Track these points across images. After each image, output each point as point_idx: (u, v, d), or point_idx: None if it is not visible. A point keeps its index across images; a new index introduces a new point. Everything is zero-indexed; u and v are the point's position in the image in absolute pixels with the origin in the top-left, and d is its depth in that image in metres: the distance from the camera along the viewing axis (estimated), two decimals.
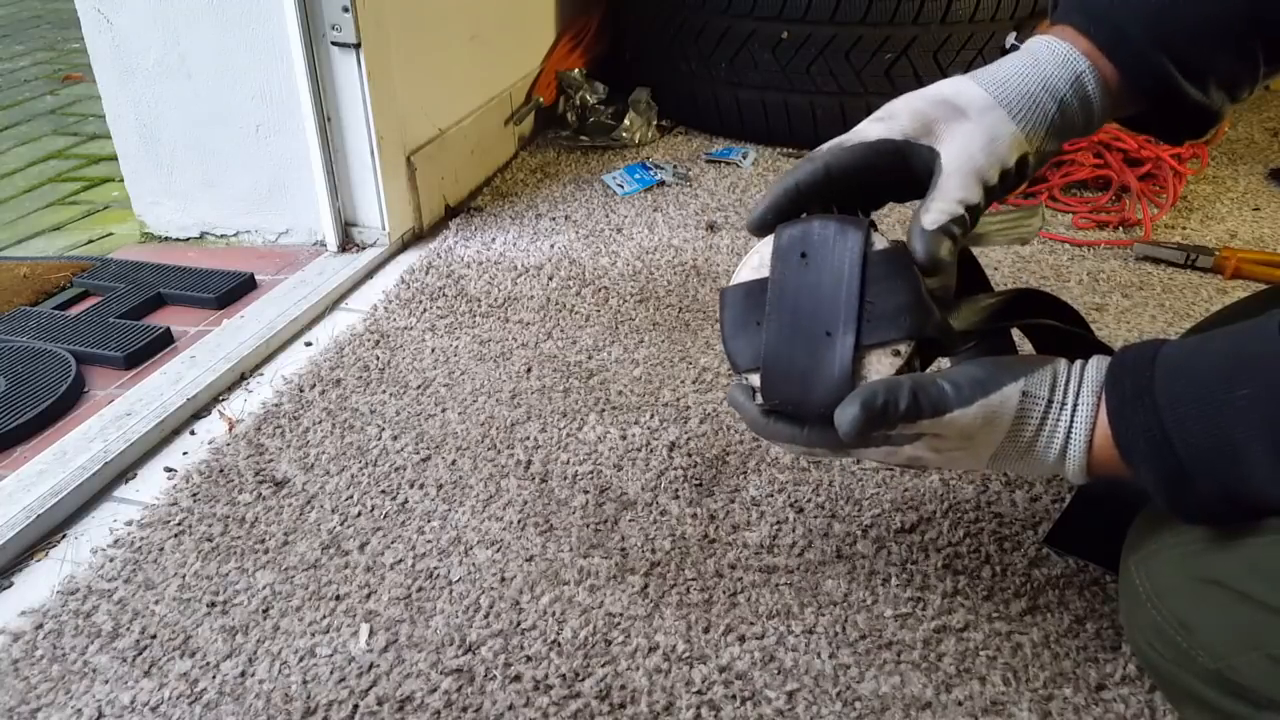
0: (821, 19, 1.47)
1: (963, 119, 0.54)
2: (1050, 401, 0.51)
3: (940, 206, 0.53)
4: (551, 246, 1.27)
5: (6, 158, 1.79)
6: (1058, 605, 0.68)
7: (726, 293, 0.59)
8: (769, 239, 0.58)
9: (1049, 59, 0.55)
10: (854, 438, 0.52)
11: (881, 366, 0.53)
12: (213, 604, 0.70)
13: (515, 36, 1.61)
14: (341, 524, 0.78)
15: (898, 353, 0.53)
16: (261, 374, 1.01)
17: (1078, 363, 0.52)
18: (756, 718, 0.61)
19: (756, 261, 0.58)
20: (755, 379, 0.56)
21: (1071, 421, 0.51)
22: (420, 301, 1.13)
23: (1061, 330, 0.60)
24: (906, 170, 0.55)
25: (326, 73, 1.16)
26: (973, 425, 0.51)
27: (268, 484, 0.82)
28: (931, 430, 0.52)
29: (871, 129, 0.55)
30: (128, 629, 0.68)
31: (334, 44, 1.14)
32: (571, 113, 1.68)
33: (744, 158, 1.57)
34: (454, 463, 0.85)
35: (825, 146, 0.57)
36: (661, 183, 1.47)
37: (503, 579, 0.72)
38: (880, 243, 0.55)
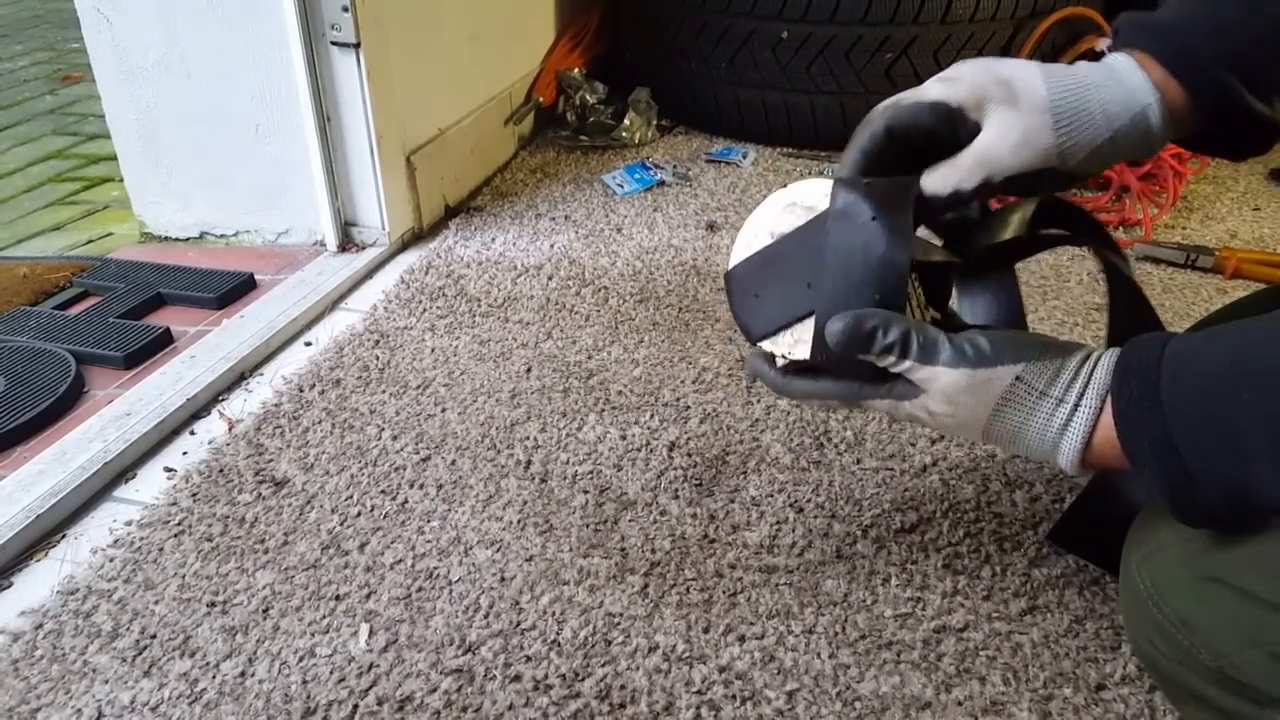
0: (821, 19, 1.47)
1: (1011, 108, 0.54)
2: (1044, 395, 0.51)
3: (942, 178, 0.56)
4: (551, 246, 1.27)
5: (6, 158, 1.79)
6: (1057, 605, 0.68)
7: (731, 276, 0.61)
8: (754, 220, 0.61)
9: (1121, 83, 0.55)
10: (840, 348, 0.53)
11: None
12: (213, 604, 0.70)
13: (515, 36, 1.61)
14: (341, 524, 0.78)
15: None
16: (261, 374, 1.01)
17: (1089, 361, 0.51)
18: (756, 718, 0.60)
19: (749, 237, 0.61)
20: (769, 345, 0.59)
21: (1069, 420, 0.50)
22: (420, 301, 1.13)
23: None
24: (954, 134, 0.56)
25: (326, 72, 1.16)
26: (955, 388, 0.52)
27: (268, 484, 0.82)
28: (916, 377, 0.53)
29: (933, 89, 0.57)
30: (128, 629, 0.68)
31: (334, 44, 1.14)
32: (571, 113, 1.68)
33: (744, 158, 1.57)
34: (454, 463, 0.85)
35: (882, 105, 0.58)
36: (661, 183, 1.47)
37: (503, 579, 0.72)
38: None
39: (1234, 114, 0.56)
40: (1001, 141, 0.54)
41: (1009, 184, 0.56)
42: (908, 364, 0.53)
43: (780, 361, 0.59)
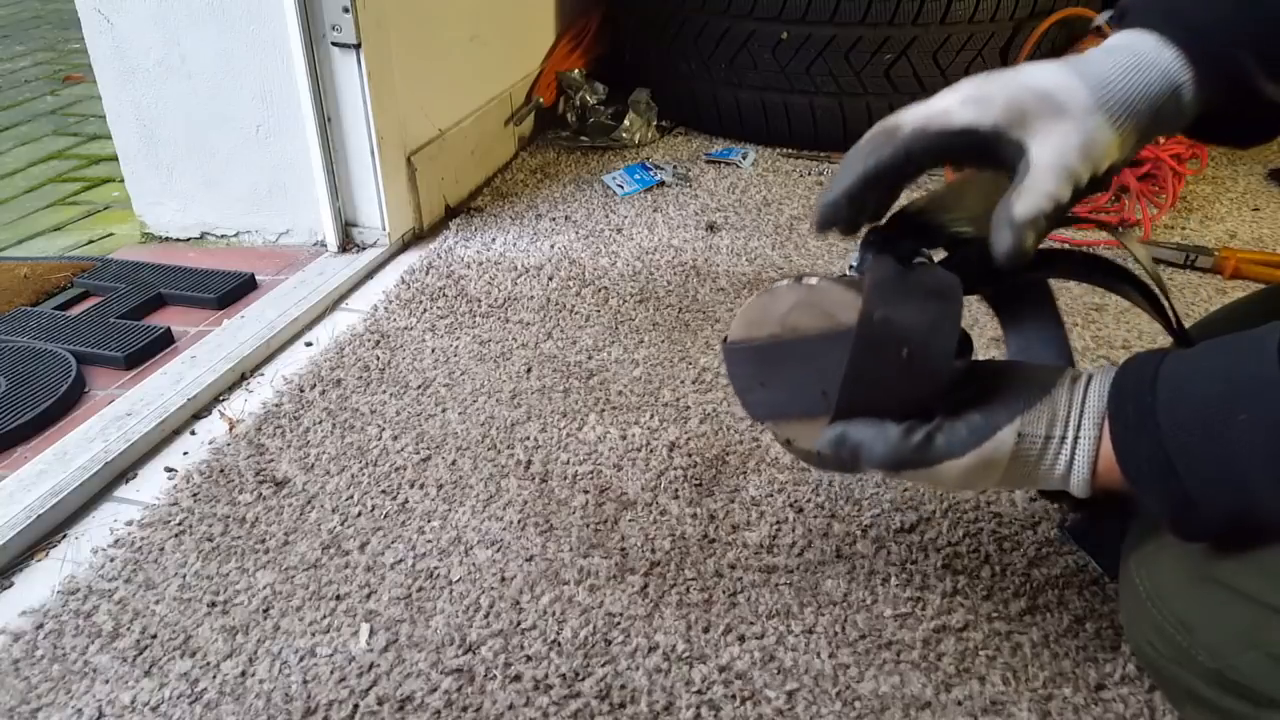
0: (821, 20, 1.47)
1: (1062, 117, 0.52)
2: (1048, 438, 0.51)
3: (1032, 200, 0.51)
4: (551, 247, 1.27)
5: (7, 158, 1.79)
6: (1057, 605, 0.68)
7: (732, 353, 0.58)
8: (769, 302, 0.55)
9: (1153, 64, 0.52)
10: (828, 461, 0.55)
11: None
12: (213, 604, 0.70)
13: (515, 37, 1.61)
14: (342, 524, 0.78)
15: None
16: (262, 374, 1.01)
17: (1079, 387, 0.51)
18: (756, 717, 0.61)
19: (758, 316, 0.56)
20: (770, 425, 0.58)
21: (1073, 454, 0.50)
22: (420, 302, 1.13)
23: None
24: (989, 157, 0.53)
25: (327, 73, 1.16)
26: (966, 471, 0.52)
27: (268, 484, 0.82)
28: (921, 475, 0.53)
29: (961, 112, 0.52)
30: (128, 629, 0.68)
31: (334, 44, 1.14)
32: (571, 113, 1.68)
33: (744, 158, 1.57)
34: (454, 463, 0.85)
35: (908, 126, 0.53)
36: (661, 183, 1.48)
37: (503, 579, 0.72)
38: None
39: (1244, 96, 0.54)
40: (1068, 146, 0.51)
41: (1085, 191, 0.53)
42: (909, 473, 0.53)
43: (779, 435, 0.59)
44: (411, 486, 0.82)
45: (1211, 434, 0.45)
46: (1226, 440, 0.44)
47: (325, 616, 0.69)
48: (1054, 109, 0.52)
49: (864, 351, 0.51)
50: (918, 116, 0.53)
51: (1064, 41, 1.56)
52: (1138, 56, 0.53)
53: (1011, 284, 0.61)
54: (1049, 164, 0.51)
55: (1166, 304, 0.58)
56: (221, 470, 0.84)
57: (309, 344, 1.07)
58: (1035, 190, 0.51)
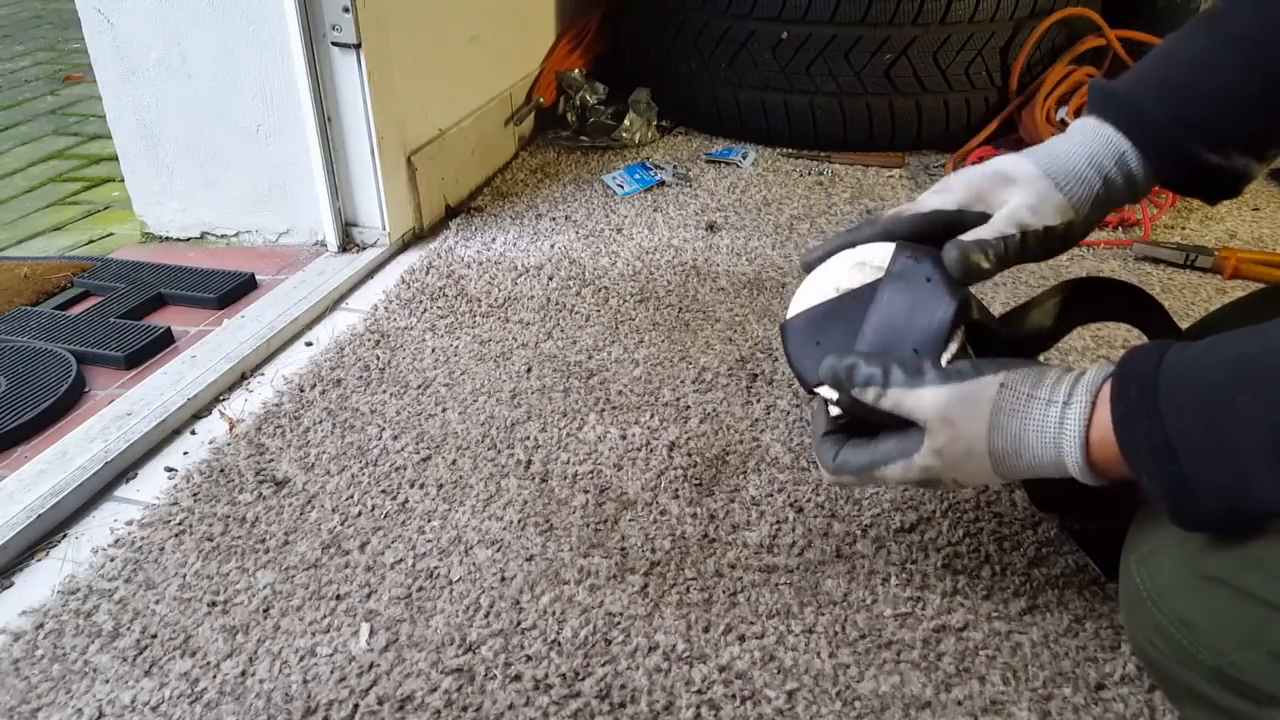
0: (821, 19, 1.47)
1: (1013, 186, 0.61)
2: (1032, 396, 0.53)
3: (977, 233, 0.60)
4: (551, 246, 1.27)
5: (7, 158, 1.79)
6: (1057, 605, 0.68)
7: (788, 325, 0.65)
8: (821, 275, 0.64)
9: (1095, 138, 0.61)
10: (830, 385, 0.59)
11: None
12: (213, 603, 0.70)
13: (515, 37, 1.61)
14: (342, 523, 0.78)
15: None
16: (262, 374, 1.01)
17: (1074, 369, 0.54)
18: (756, 717, 0.61)
19: (814, 292, 0.64)
20: (824, 392, 0.61)
21: (1063, 418, 0.51)
22: (420, 301, 1.13)
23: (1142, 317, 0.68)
24: (954, 230, 0.61)
25: (327, 73, 1.16)
26: (946, 405, 0.54)
27: (268, 484, 0.82)
28: (907, 407, 0.55)
29: (929, 200, 0.63)
30: (128, 628, 0.68)
31: (334, 44, 1.14)
32: (571, 113, 1.68)
33: (744, 158, 1.57)
34: (454, 462, 0.85)
35: (886, 213, 0.64)
36: (661, 183, 1.48)
37: (503, 578, 0.72)
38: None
39: (1190, 167, 0.60)
40: (1021, 206, 0.60)
41: (1045, 241, 0.60)
42: (892, 392, 0.56)
43: (834, 411, 0.62)
44: (411, 486, 0.82)
45: (1211, 417, 0.46)
46: (1225, 423, 0.45)
47: (325, 616, 0.69)
48: (1005, 181, 0.61)
49: (895, 282, 0.60)
50: (892, 210, 0.64)
51: (1064, 41, 1.56)
52: (1083, 134, 0.62)
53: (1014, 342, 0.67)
54: (999, 216, 0.60)
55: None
56: (221, 470, 0.84)
57: (309, 344, 1.07)
58: (984, 229, 0.60)
